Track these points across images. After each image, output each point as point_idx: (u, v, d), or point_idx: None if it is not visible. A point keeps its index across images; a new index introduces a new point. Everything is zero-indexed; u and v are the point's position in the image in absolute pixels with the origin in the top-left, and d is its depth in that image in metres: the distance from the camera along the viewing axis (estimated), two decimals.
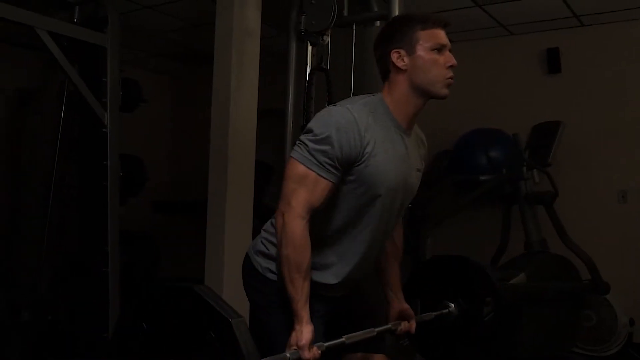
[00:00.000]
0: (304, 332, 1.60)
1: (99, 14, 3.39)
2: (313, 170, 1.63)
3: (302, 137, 1.68)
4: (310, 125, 1.69)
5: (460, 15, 4.68)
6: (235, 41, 3.26)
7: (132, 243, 4.14)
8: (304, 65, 3.42)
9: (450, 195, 4.82)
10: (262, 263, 1.82)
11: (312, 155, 1.64)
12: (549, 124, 4.53)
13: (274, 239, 1.77)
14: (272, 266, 1.79)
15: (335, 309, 1.85)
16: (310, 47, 3.37)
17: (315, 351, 1.61)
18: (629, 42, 4.66)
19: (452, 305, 2.17)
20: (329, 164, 1.63)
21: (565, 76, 4.91)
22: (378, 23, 3.36)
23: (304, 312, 1.62)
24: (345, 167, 1.66)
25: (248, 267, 1.86)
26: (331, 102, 3.22)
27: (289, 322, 1.65)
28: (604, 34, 4.78)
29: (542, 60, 4.98)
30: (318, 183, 1.64)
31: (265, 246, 1.82)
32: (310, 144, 1.64)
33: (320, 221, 1.72)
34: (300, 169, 1.65)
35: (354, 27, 3.33)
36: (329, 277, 1.79)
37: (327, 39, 3.23)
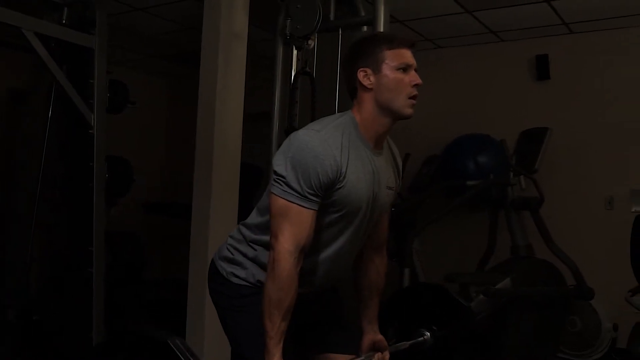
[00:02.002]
0: None
1: (87, 16, 3.41)
2: (294, 203, 1.64)
3: (277, 169, 1.67)
4: (283, 153, 1.67)
5: (449, 21, 4.71)
6: (222, 43, 3.28)
7: (118, 243, 4.15)
8: (291, 69, 3.44)
9: (438, 200, 4.84)
10: (226, 268, 1.84)
11: (291, 188, 1.64)
12: (536, 130, 4.55)
13: (238, 246, 1.81)
14: (237, 271, 1.81)
15: (306, 310, 1.83)
16: (295, 51, 3.39)
17: None
18: (617, 49, 4.69)
19: (427, 333, 2.16)
20: (309, 193, 1.64)
21: (554, 83, 4.93)
22: (365, 28, 3.38)
23: (276, 349, 1.62)
24: (325, 193, 1.66)
25: (213, 272, 1.88)
26: (315, 105, 3.25)
27: (254, 323, 1.66)
28: (592, 41, 4.81)
29: (531, 66, 5.01)
30: (301, 214, 1.64)
31: (230, 252, 1.84)
32: (288, 177, 1.64)
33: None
34: (281, 203, 1.65)
35: (340, 32, 3.34)
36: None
37: (313, 43, 3.25)
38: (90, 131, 3.38)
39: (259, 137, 4.10)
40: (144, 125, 6.14)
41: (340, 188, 1.67)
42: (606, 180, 4.66)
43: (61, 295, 3.62)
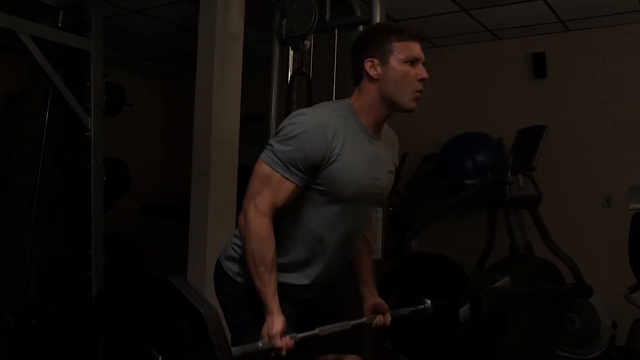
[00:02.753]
0: (275, 322, 1.62)
1: (82, 19, 3.40)
2: (277, 172, 1.66)
3: (271, 139, 1.71)
4: (280, 127, 1.71)
5: (446, 19, 4.72)
6: (218, 44, 3.28)
7: (116, 245, 4.15)
8: (287, 70, 3.44)
9: (436, 199, 4.84)
10: (232, 267, 1.83)
11: (277, 157, 1.66)
12: (533, 129, 4.55)
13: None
14: (242, 270, 1.80)
15: (306, 313, 1.86)
16: (291, 52, 3.39)
17: (288, 340, 1.62)
18: (614, 47, 4.70)
19: (429, 301, 2.17)
20: (294, 166, 1.65)
21: (551, 81, 4.94)
22: (361, 27, 3.38)
23: (273, 303, 1.64)
24: (312, 170, 1.67)
25: (219, 273, 1.88)
26: (311, 106, 3.24)
27: (261, 324, 1.66)
28: (589, 39, 4.81)
29: (528, 64, 5.02)
30: (282, 184, 1.66)
31: (235, 251, 1.83)
32: (277, 146, 1.67)
33: (290, 222, 1.74)
34: (266, 169, 1.67)
35: (336, 32, 3.34)
36: (300, 279, 1.80)
37: (308, 43, 3.25)
38: (87, 134, 3.36)
39: (256, 138, 4.09)
40: (141, 127, 6.13)
41: (328, 168, 1.67)
42: (604, 178, 4.67)
43: (60, 297, 3.61)
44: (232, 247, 1.85)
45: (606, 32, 4.73)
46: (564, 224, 4.56)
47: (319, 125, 1.65)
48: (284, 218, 1.72)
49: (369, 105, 1.75)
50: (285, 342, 1.62)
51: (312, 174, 1.68)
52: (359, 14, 3.38)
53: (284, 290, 1.72)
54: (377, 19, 3.17)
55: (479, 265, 4.45)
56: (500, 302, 3.88)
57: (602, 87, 4.72)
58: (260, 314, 1.67)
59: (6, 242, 4.01)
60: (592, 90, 4.76)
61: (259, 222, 1.65)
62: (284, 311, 1.69)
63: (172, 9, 4.61)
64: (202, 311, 1.30)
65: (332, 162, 1.67)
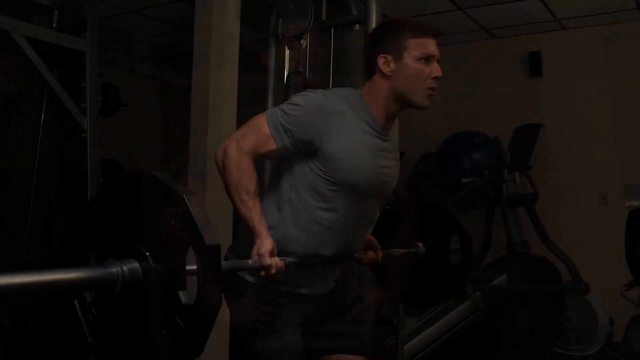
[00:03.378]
0: (264, 243, 1.61)
1: (78, 19, 3.39)
2: (269, 127, 1.69)
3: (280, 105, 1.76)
4: (289, 99, 1.77)
5: (442, 18, 4.71)
6: (214, 44, 3.26)
7: None
8: (283, 69, 3.43)
9: (434, 197, 4.83)
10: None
11: (274, 117, 1.70)
12: (530, 127, 4.56)
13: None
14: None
15: (309, 317, 1.85)
16: (288, 51, 3.38)
17: (277, 260, 1.61)
18: (610, 45, 4.71)
19: (420, 245, 2.15)
20: (284, 131, 1.68)
21: (547, 79, 4.95)
22: (357, 27, 3.38)
23: (261, 227, 1.63)
24: (303, 145, 1.70)
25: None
26: None
27: (273, 323, 1.69)
28: (584, 37, 4.82)
29: (524, 63, 5.03)
30: (268, 141, 1.69)
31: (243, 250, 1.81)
32: (277, 111, 1.72)
33: (296, 213, 1.74)
34: (260, 121, 1.71)
35: (332, 31, 3.34)
36: (303, 277, 1.80)
37: (305, 42, 3.25)
38: (83, 135, 3.36)
39: None
40: (137, 127, 6.12)
41: (327, 148, 1.68)
42: (600, 176, 4.68)
43: (56, 299, 3.60)
44: (241, 246, 1.82)
45: (602, 30, 4.74)
46: (561, 222, 4.57)
47: (318, 106, 1.69)
48: (290, 207, 1.74)
49: (380, 100, 1.75)
50: (274, 261, 1.60)
51: (306, 151, 1.70)
52: (355, 13, 3.38)
53: (289, 290, 1.74)
54: (374, 17, 3.15)
55: (477, 263, 4.44)
56: (497, 300, 3.90)
57: (598, 85, 4.72)
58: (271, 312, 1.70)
59: (3, 244, 4.00)
60: (588, 88, 4.76)
61: (241, 157, 1.66)
62: (288, 316, 1.70)
63: (168, 9, 4.60)
64: (185, 196, 1.27)
65: (328, 143, 1.68)
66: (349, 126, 1.70)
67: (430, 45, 1.73)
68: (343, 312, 1.95)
